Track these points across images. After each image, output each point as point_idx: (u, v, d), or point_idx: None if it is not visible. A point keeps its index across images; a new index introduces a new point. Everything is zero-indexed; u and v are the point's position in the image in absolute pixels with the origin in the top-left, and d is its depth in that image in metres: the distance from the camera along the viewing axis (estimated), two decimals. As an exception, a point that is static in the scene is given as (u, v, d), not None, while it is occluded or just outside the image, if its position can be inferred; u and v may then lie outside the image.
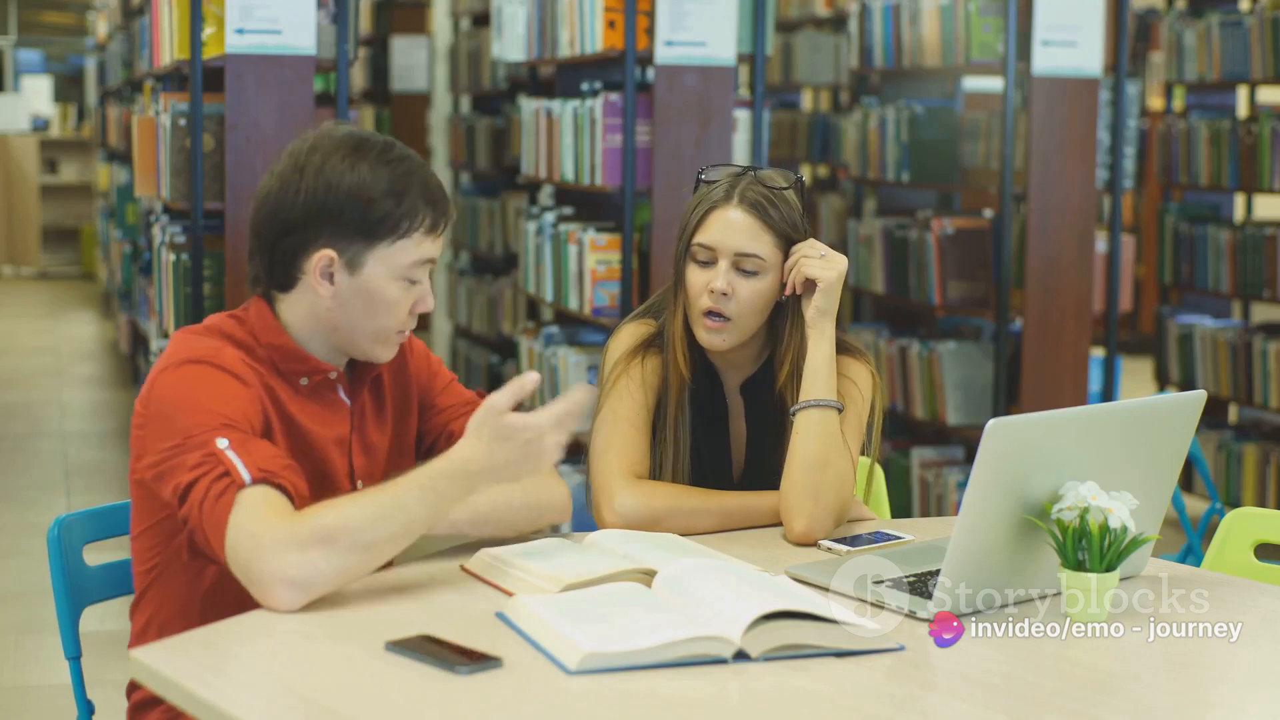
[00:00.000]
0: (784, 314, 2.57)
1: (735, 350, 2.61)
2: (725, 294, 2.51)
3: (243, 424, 2.06)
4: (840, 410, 2.48)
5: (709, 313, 2.53)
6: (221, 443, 2.02)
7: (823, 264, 2.49)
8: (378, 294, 2.17)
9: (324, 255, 2.15)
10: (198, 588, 2.15)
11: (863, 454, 2.61)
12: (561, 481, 2.36)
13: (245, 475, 1.99)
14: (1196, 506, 5.94)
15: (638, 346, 2.61)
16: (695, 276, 2.55)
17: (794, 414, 2.48)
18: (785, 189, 2.55)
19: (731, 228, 2.52)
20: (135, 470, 2.12)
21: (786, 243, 2.53)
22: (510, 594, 2.08)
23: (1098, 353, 5.44)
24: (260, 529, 1.96)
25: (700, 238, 2.54)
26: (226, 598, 2.05)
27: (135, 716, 2.22)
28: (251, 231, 2.21)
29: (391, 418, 2.34)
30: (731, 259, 2.52)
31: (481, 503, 2.20)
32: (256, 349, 2.19)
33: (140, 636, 2.21)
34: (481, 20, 8.12)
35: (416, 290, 2.20)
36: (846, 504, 2.47)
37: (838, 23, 7.93)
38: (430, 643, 1.88)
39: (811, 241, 2.53)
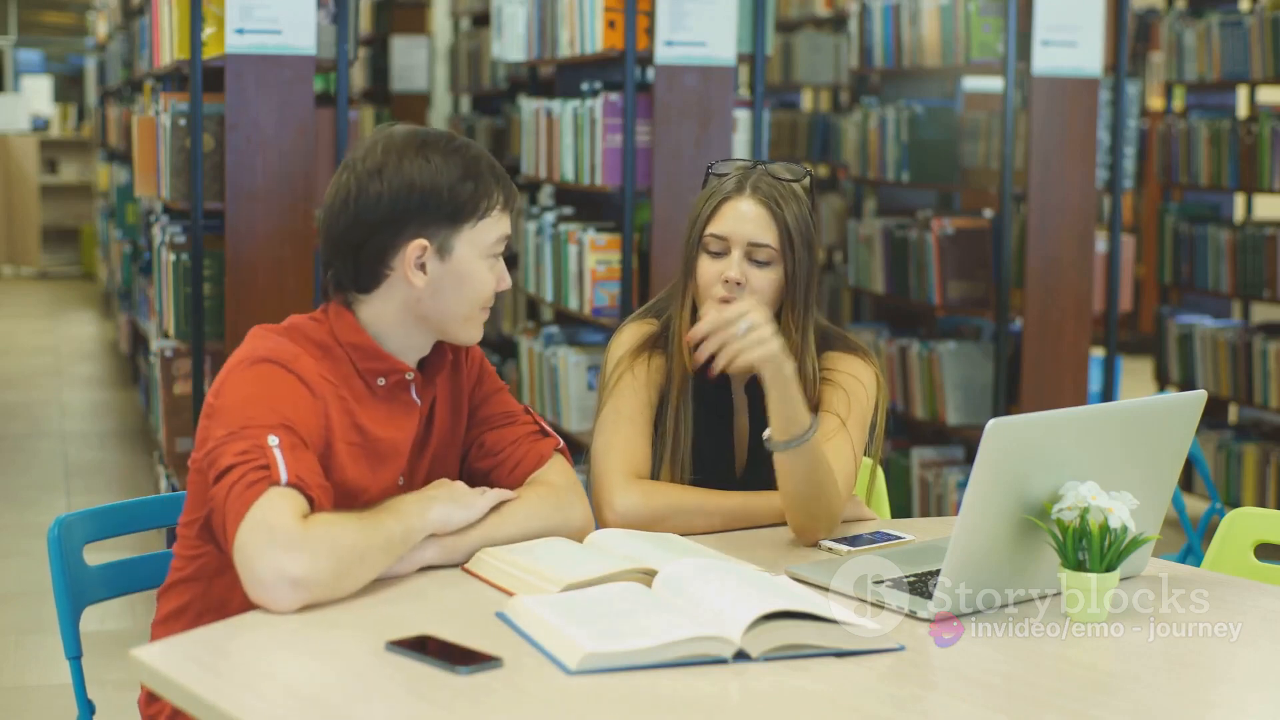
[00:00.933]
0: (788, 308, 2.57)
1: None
2: (739, 283, 2.52)
3: (301, 431, 2.10)
4: (813, 430, 2.39)
5: (723, 302, 2.54)
6: (272, 440, 2.06)
7: (749, 345, 2.35)
8: (469, 274, 2.24)
9: (417, 245, 2.22)
10: (240, 584, 2.15)
11: (865, 454, 2.61)
12: (585, 502, 2.37)
13: (283, 474, 2.03)
14: (1196, 506, 5.94)
15: (640, 345, 2.61)
16: (708, 267, 2.56)
17: (769, 449, 2.42)
18: (794, 182, 2.56)
19: (744, 218, 2.53)
20: (195, 459, 2.17)
21: (793, 234, 2.53)
22: (510, 594, 2.08)
23: (1098, 353, 5.44)
24: (275, 523, 1.98)
25: (713, 228, 2.55)
26: None
27: (149, 703, 2.23)
28: (329, 240, 2.25)
29: (440, 424, 2.37)
30: (744, 249, 2.53)
31: (501, 530, 2.24)
32: (335, 349, 2.23)
33: (170, 620, 2.23)
34: (481, 20, 8.12)
35: (497, 268, 2.28)
36: (842, 507, 2.46)
37: (838, 23, 7.93)
38: (430, 643, 1.88)
39: (743, 312, 2.35)
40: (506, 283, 2.29)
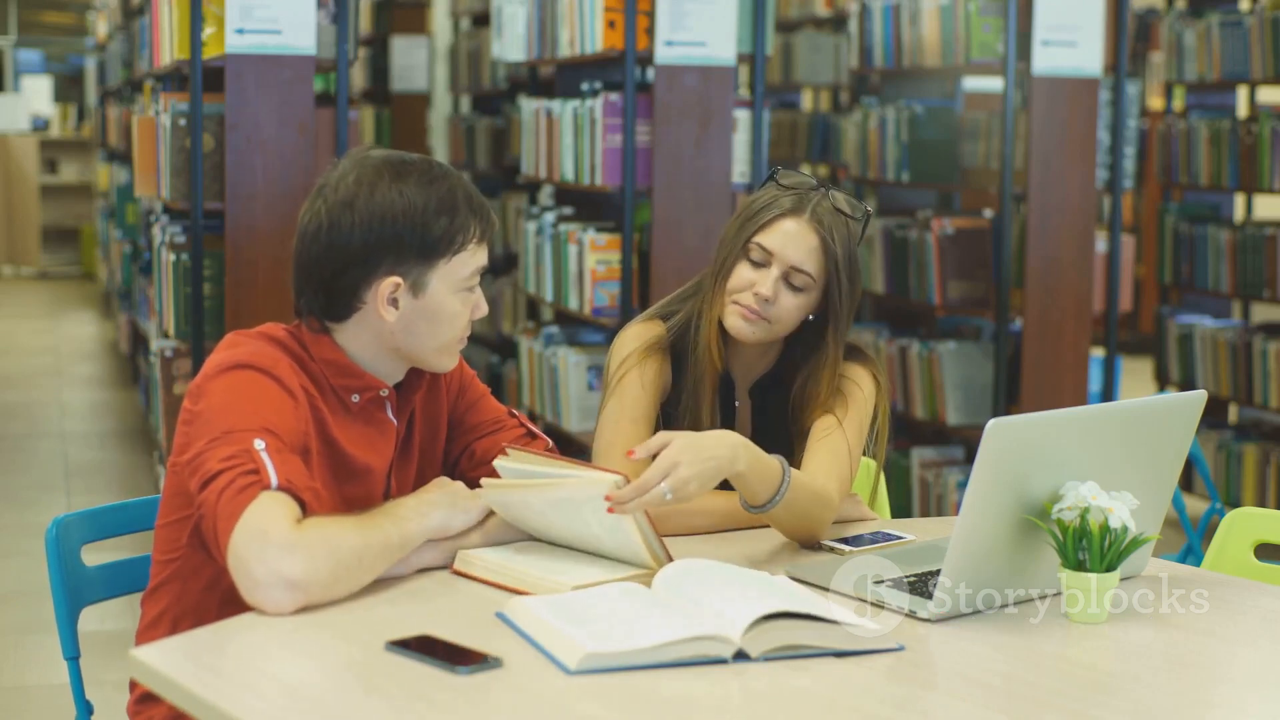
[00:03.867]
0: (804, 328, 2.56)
1: (751, 352, 2.62)
2: (769, 300, 2.52)
3: (284, 435, 2.09)
4: (788, 479, 2.31)
5: (748, 307, 2.54)
6: (259, 444, 2.04)
7: (687, 491, 2.17)
8: (443, 310, 2.21)
9: (390, 283, 2.18)
10: (218, 587, 2.16)
11: (865, 454, 2.61)
12: None
13: (273, 479, 2.01)
14: (1196, 506, 5.94)
15: (644, 346, 2.61)
16: (745, 273, 2.55)
17: (751, 513, 2.36)
18: (854, 219, 2.56)
19: (795, 240, 2.53)
20: (175, 463, 2.15)
21: (840, 268, 2.53)
22: (516, 591, 2.08)
23: (1098, 353, 5.44)
24: (270, 528, 1.97)
25: (762, 238, 2.54)
26: (243, 600, 2.06)
27: (139, 709, 2.23)
28: (300, 269, 2.22)
29: (420, 438, 2.36)
30: (785, 269, 2.53)
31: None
32: (310, 364, 2.21)
33: (151, 628, 2.23)
34: (481, 20, 8.12)
35: (473, 298, 2.25)
36: (834, 513, 2.44)
37: (838, 23, 7.93)
38: (430, 643, 1.88)
39: (656, 478, 2.15)
40: (482, 310, 2.26)
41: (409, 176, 2.18)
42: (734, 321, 2.56)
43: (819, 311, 2.57)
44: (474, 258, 2.22)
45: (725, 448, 2.22)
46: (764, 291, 2.52)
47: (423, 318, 2.20)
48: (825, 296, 2.56)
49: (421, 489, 2.23)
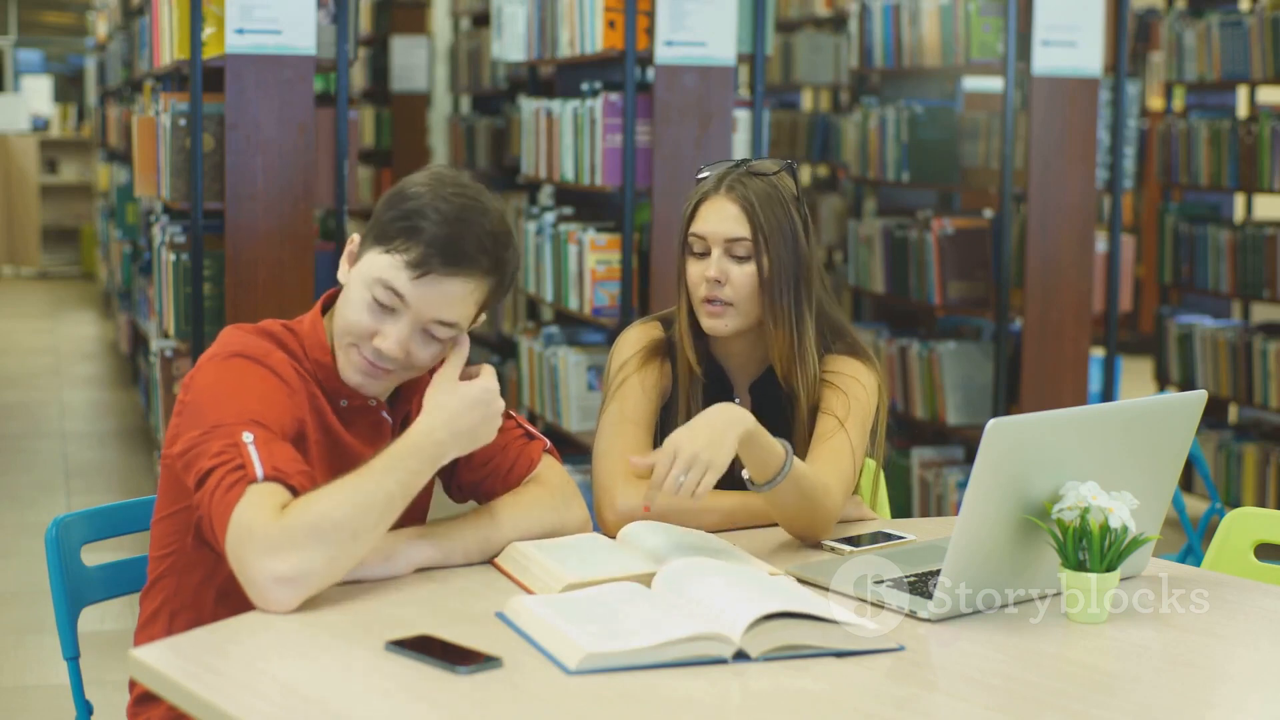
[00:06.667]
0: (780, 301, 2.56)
1: (742, 349, 2.62)
2: (719, 281, 2.53)
3: (273, 425, 2.08)
4: (790, 462, 2.33)
5: (708, 299, 2.55)
6: (246, 437, 2.04)
7: (701, 479, 2.23)
8: (352, 289, 2.20)
9: (353, 238, 2.24)
10: (214, 580, 2.16)
11: (867, 455, 2.60)
12: (581, 500, 2.37)
13: (259, 471, 2.01)
14: (1196, 506, 5.94)
15: (644, 349, 2.61)
16: (693, 268, 2.59)
17: (753, 490, 2.38)
18: (774, 174, 2.57)
19: (719, 215, 2.55)
20: (167, 455, 2.15)
21: (766, 229, 2.53)
22: (524, 586, 2.09)
23: (1098, 353, 5.44)
24: (255, 524, 1.97)
25: (694, 228, 2.59)
26: (240, 592, 2.06)
27: (138, 710, 2.23)
28: None
29: None
30: (723, 246, 2.55)
31: (500, 532, 2.24)
32: (304, 361, 2.22)
33: (149, 624, 2.23)
34: (481, 20, 8.13)
35: (383, 319, 2.16)
36: (839, 509, 2.45)
37: (838, 23, 7.93)
38: (430, 643, 1.88)
39: (668, 465, 2.23)
40: (383, 343, 2.14)
41: (439, 180, 2.19)
42: (706, 321, 2.58)
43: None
44: (390, 268, 2.14)
45: (720, 409, 2.28)
46: (711, 274, 2.55)
47: (349, 288, 2.21)
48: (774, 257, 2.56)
49: (427, 425, 2.13)
